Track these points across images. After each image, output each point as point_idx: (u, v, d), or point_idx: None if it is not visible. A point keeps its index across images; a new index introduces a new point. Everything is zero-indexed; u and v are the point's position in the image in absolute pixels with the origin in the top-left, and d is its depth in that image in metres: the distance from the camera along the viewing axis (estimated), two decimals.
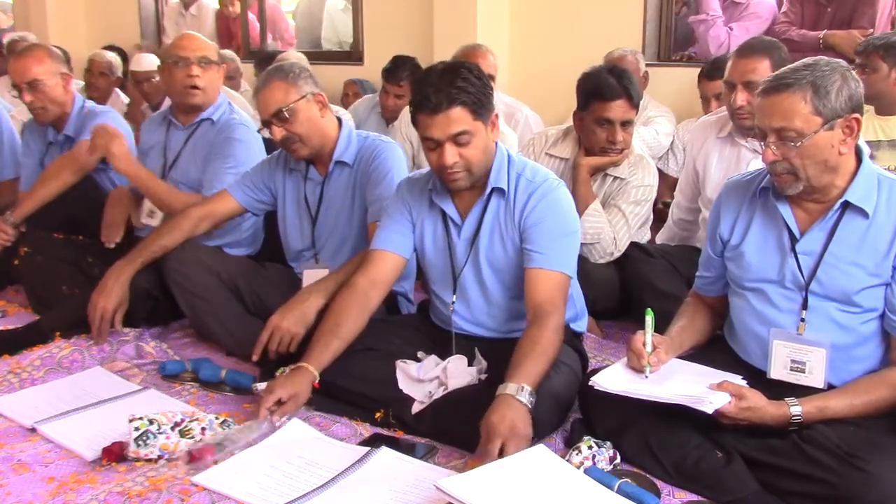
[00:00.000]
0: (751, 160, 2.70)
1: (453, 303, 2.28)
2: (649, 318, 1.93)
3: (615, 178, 2.86)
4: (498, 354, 2.02)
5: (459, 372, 2.18)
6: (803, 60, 1.87)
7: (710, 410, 1.76)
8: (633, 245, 2.84)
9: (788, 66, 1.87)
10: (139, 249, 2.63)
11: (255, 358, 2.31)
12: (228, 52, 5.51)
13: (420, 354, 2.27)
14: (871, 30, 4.03)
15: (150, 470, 1.89)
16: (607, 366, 2.04)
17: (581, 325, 2.43)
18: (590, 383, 1.92)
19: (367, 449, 1.96)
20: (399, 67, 4.30)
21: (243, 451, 1.95)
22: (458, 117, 2.03)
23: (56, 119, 3.28)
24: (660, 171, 3.22)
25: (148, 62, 4.79)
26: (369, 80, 5.19)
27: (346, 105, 4.89)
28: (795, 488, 1.74)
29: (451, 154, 2.05)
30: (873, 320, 1.90)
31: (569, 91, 2.94)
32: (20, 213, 3.11)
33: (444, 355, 2.24)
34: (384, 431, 2.12)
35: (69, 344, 2.58)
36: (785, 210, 1.94)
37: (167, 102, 4.21)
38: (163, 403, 2.23)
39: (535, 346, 1.94)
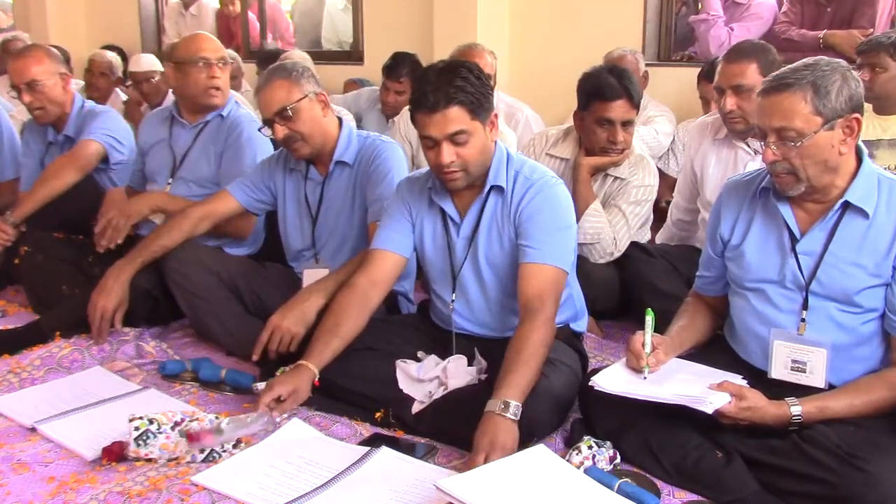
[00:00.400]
0: (748, 162, 2.71)
1: (453, 301, 2.27)
2: (649, 319, 1.93)
3: (615, 178, 2.86)
4: (498, 354, 2.02)
5: (459, 372, 2.18)
6: (803, 60, 1.87)
7: (710, 410, 1.76)
8: (633, 245, 2.84)
9: (789, 66, 1.87)
10: (139, 249, 2.63)
11: (255, 358, 2.31)
12: (230, 52, 5.51)
13: (420, 354, 2.27)
14: (871, 30, 4.03)
15: (150, 470, 1.89)
16: (607, 366, 2.04)
17: (581, 324, 2.43)
18: (590, 384, 1.92)
19: (367, 449, 1.96)
20: (399, 64, 4.30)
21: (243, 451, 1.96)
22: (456, 117, 2.03)
23: (56, 119, 3.27)
24: (660, 171, 3.22)
25: (147, 62, 4.79)
26: (369, 79, 5.19)
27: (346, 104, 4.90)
28: (795, 488, 1.74)
29: (447, 153, 2.06)
30: (873, 320, 1.90)
31: (569, 91, 2.94)
32: (20, 213, 3.10)
33: (444, 355, 2.24)
34: (384, 431, 2.12)
35: (69, 344, 2.58)
36: (785, 210, 1.94)
37: (167, 102, 4.22)
38: (163, 403, 2.22)
39: (521, 352, 1.94)
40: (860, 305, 1.88)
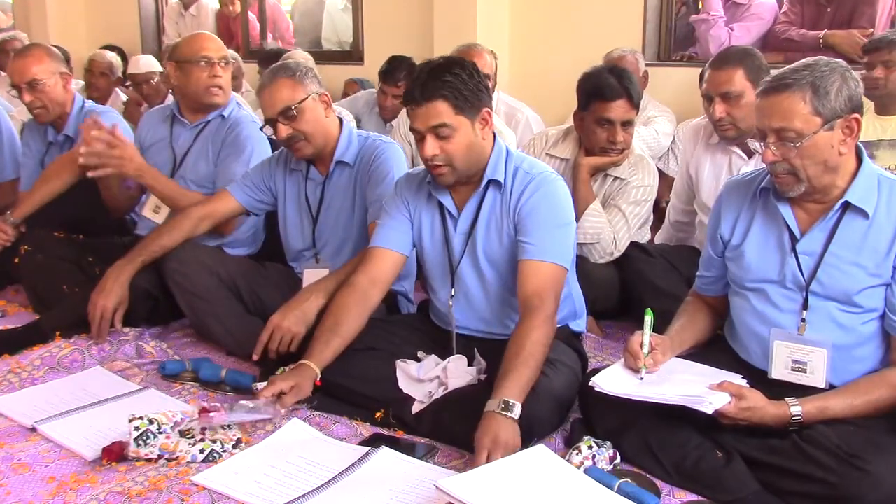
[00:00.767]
0: (742, 167, 2.70)
1: (452, 297, 2.27)
2: (648, 319, 1.93)
3: (615, 178, 2.86)
4: (498, 354, 2.02)
5: (459, 372, 2.18)
6: (803, 61, 1.87)
7: (709, 411, 1.76)
8: (633, 245, 2.85)
9: (788, 67, 1.87)
10: (139, 249, 2.63)
11: (255, 357, 2.31)
12: (231, 53, 5.50)
13: (420, 354, 2.27)
14: (871, 30, 4.03)
15: (150, 470, 1.89)
16: (607, 366, 2.04)
17: (580, 324, 2.43)
18: (590, 384, 1.92)
19: (367, 449, 1.96)
20: (396, 68, 4.29)
21: (243, 451, 1.96)
22: (439, 111, 2.04)
23: (56, 119, 3.27)
24: (660, 171, 3.22)
25: (145, 64, 4.79)
26: (369, 79, 5.19)
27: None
28: (795, 488, 1.74)
29: (430, 146, 2.07)
30: (874, 320, 1.90)
31: (569, 91, 2.94)
32: (20, 213, 3.10)
33: (444, 355, 2.24)
34: (384, 431, 2.12)
35: (69, 344, 2.58)
36: (785, 210, 1.94)
37: (167, 102, 4.22)
38: (163, 403, 2.22)
39: (520, 351, 1.94)
40: (860, 305, 1.88)
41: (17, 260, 3.03)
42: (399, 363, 2.21)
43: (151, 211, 3.02)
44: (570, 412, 2.15)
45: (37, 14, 6.92)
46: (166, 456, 1.92)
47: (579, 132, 2.89)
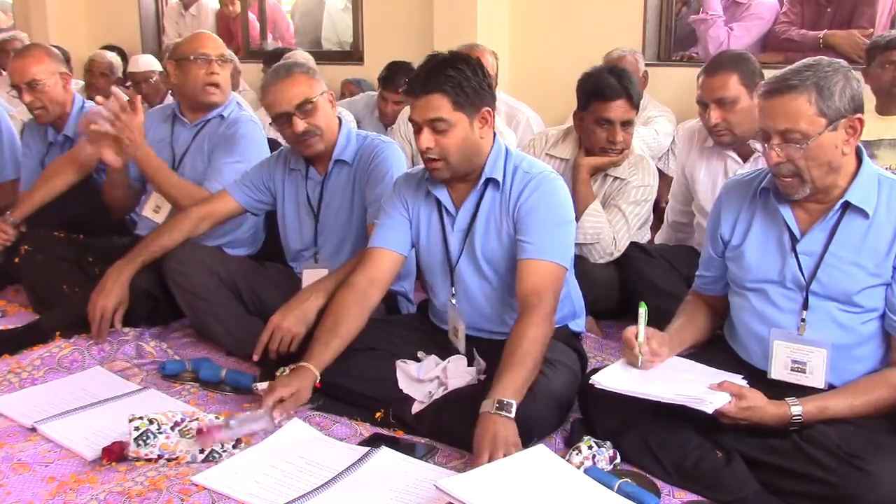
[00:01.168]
0: (737, 171, 2.70)
1: (453, 295, 2.27)
2: (643, 311, 1.93)
3: (615, 178, 2.86)
4: (497, 354, 2.02)
5: (459, 372, 2.18)
6: (804, 61, 1.87)
7: (710, 410, 1.76)
8: (633, 245, 2.85)
9: (789, 68, 1.86)
10: (139, 249, 2.63)
11: (255, 358, 2.31)
12: (228, 52, 5.50)
13: (420, 354, 2.27)
14: (871, 30, 4.03)
15: (150, 470, 1.89)
16: (607, 365, 2.04)
17: (579, 323, 2.43)
18: (590, 381, 1.92)
19: (367, 449, 1.96)
20: (396, 74, 4.27)
21: (243, 451, 1.96)
22: (438, 104, 2.04)
23: (56, 119, 3.27)
24: (659, 171, 3.22)
25: (145, 63, 4.79)
26: (369, 79, 5.19)
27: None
28: (795, 488, 1.74)
29: (426, 139, 2.07)
30: (874, 320, 1.90)
31: (569, 91, 2.94)
32: (20, 213, 3.10)
33: (444, 355, 2.24)
34: (384, 431, 2.12)
35: (69, 344, 2.58)
36: (785, 211, 1.94)
37: (167, 102, 4.23)
38: (163, 403, 2.22)
39: (516, 350, 1.93)
40: (860, 305, 1.88)
41: (17, 260, 3.03)
42: (399, 363, 2.21)
43: (151, 211, 3.02)
44: (569, 412, 2.15)
45: (37, 14, 6.92)
46: (166, 456, 1.92)
47: (579, 132, 2.89)
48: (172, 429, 1.93)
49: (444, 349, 2.28)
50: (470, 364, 2.23)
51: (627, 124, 2.77)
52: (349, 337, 2.17)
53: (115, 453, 1.92)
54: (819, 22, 4.28)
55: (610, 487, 1.74)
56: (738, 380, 1.88)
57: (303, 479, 1.84)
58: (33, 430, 2.09)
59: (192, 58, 2.92)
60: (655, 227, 3.27)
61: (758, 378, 1.94)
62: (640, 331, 1.93)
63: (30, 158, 3.42)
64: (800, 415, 1.78)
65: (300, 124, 2.47)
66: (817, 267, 1.90)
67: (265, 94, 2.54)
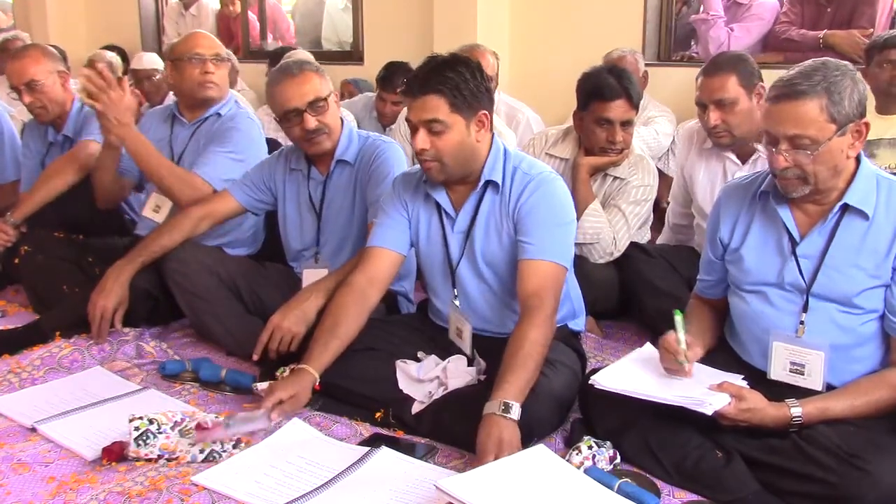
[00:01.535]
0: (736, 172, 2.70)
1: (455, 297, 2.27)
2: (679, 318, 1.90)
3: (615, 178, 2.86)
4: (498, 353, 2.02)
5: (459, 372, 2.18)
6: (811, 64, 1.83)
7: (709, 412, 1.76)
8: (633, 245, 2.85)
9: (797, 71, 1.82)
10: (139, 249, 2.63)
11: (255, 357, 2.31)
12: (226, 51, 5.50)
13: (420, 354, 2.27)
14: (871, 30, 4.03)
15: (150, 470, 1.89)
16: (607, 365, 2.04)
17: (579, 323, 2.43)
18: (590, 382, 1.92)
19: (367, 449, 1.96)
20: (394, 74, 4.26)
21: (243, 451, 1.96)
22: (434, 106, 2.04)
23: (55, 118, 3.28)
24: (659, 171, 3.22)
25: (149, 60, 4.80)
26: (369, 79, 5.18)
27: None
28: (795, 488, 1.74)
29: (421, 139, 2.07)
30: (873, 321, 1.90)
31: (569, 91, 2.94)
32: (20, 213, 3.10)
33: (444, 355, 2.24)
34: (384, 431, 2.12)
35: (69, 344, 2.58)
36: (785, 213, 1.93)
37: (168, 100, 4.23)
38: (163, 403, 2.22)
39: (518, 351, 1.93)
40: (860, 307, 1.88)
41: (17, 260, 3.03)
42: (399, 363, 2.21)
43: (151, 211, 3.02)
44: (570, 412, 2.15)
45: (37, 14, 6.93)
46: (166, 456, 1.92)
47: (579, 132, 2.89)
48: (172, 429, 1.93)
49: (444, 349, 2.28)
50: (470, 364, 2.23)
51: (627, 124, 2.77)
52: (348, 337, 2.17)
53: (115, 453, 1.92)
54: (819, 22, 4.28)
55: (610, 487, 1.74)
56: (738, 381, 1.87)
57: (303, 479, 1.84)
58: (33, 430, 2.09)
59: (186, 58, 2.92)
60: (655, 227, 3.27)
61: (758, 378, 1.94)
62: (681, 338, 1.90)
63: (30, 159, 3.42)
64: (800, 416, 1.78)
65: (311, 121, 2.47)
66: (817, 269, 1.89)
67: (274, 91, 2.51)
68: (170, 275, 2.60)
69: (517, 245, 2.14)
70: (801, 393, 1.87)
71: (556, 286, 2.09)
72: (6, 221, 3.08)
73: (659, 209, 3.32)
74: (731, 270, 2.06)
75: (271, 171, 2.72)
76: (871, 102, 3.13)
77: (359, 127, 4.43)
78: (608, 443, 1.92)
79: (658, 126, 4.03)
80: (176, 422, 1.95)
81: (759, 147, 2.66)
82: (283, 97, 2.47)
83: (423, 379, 2.17)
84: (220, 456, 1.94)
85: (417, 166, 2.31)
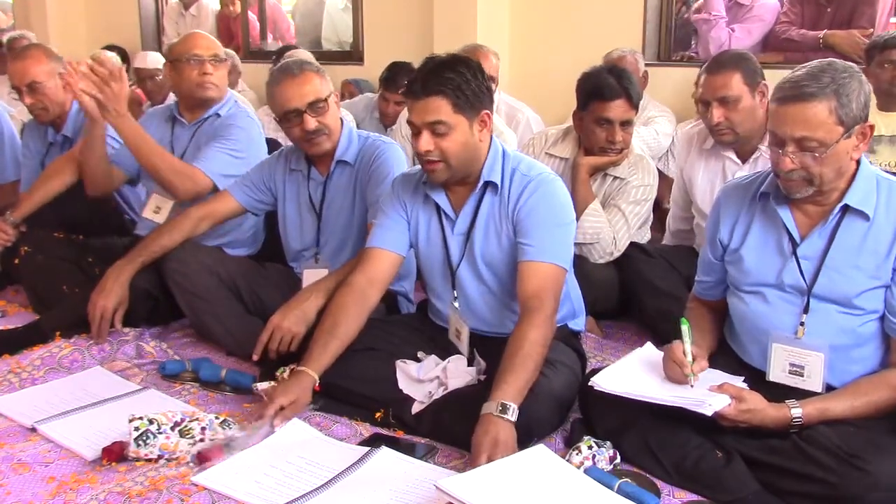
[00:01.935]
0: (736, 172, 2.70)
1: (455, 298, 2.27)
2: (685, 328, 1.89)
3: (615, 177, 2.86)
4: (498, 353, 2.02)
5: (459, 372, 2.18)
6: (818, 65, 1.82)
7: (709, 413, 1.76)
8: (633, 245, 2.85)
9: (804, 72, 1.81)
10: (139, 249, 2.63)
11: (255, 357, 2.31)
12: (227, 51, 5.51)
13: (420, 354, 2.27)
14: (871, 30, 4.04)
15: (150, 470, 1.89)
16: (607, 365, 2.04)
17: (579, 323, 2.43)
18: (590, 384, 1.92)
19: (367, 449, 1.96)
20: (397, 75, 4.26)
21: (243, 450, 1.95)
22: (438, 107, 2.04)
23: (55, 119, 3.27)
24: (659, 171, 3.22)
25: (152, 60, 4.81)
26: (369, 80, 5.19)
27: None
28: (795, 488, 1.73)
29: (425, 141, 2.06)
30: (873, 322, 1.90)
31: (569, 91, 2.94)
32: (20, 213, 3.10)
33: (444, 355, 2.24)
34: (384, 431, 2.11)
35: (69, 344, 2.58)
36: (785, 214, 1.92)
37: (169, 100, 4.23)
38: (163, 403, 2.22)
39: (517, 352, 1.93)
40: (861, 308, 1.88)
41: (17, 260, 3.03)
42: (399, 363, 2.21)
43: (152, 211, 3.02)
44: (570, 412, 2.14)
45: (37, 14, 6.92)
46: (166, 456, 1.92)
47: (578, 132, 2.89)
48: (172, 429, 1.93)
49: (444, 349, 2.28)
50: (470, 364, 2.23)
51: (627, 124, 2.77)
52: (348, 338, 2.17)
53: (115, 453, 1.92)
54: (819, 22, 4.28)
55: (610, 487, 1.74)
56: (738, 382, 1.87)
57: (303, 479, 1.84)
58: (33, 430, 2.09)
59: (184, 59, 2.92)
60: (656, 228, 3.27)
61: (758, 379, 1.94)
62: (688, 349, 1.88)
63: (30, 159, 3.42)
64: (800, 417, 1.78)
65: (311, 122, 2.47)
66: (818, 271, 1.89)
67: (274, 90, 2.50)
68: (170, 275, 2.60)
69: (517, 246, 2.14)
70: (801, 394, 1.87)
71: (556, 287, 2.09)
72: (6, 221, 3.08)
73: (660, 209, 3.32)
74: (731, 271, 2.06)
75: (271, 172, 2.72)
76: (871, 100, 3.13)
77: (359, 128, 4.45)
78: (608, 443, 1.92)
79: (658, 126, 4.03)
80: (176, 422, 1.94)
81: (763, 147, 2.66)
82: (283, 97, 2.47)
83: (423, 379, 2.17)
84: None
85: (417, 167, 2.31)
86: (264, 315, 2.41)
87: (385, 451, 1.95)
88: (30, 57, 3.19)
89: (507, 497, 1.61)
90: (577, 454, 1.86)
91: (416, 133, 2.09)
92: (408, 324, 2.45)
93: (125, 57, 5.90)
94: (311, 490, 1.79)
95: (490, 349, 2.18)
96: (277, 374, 2.24)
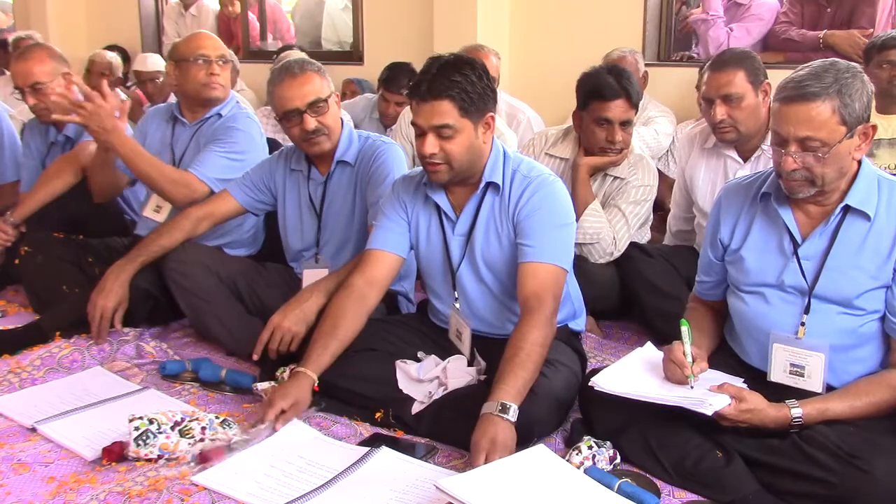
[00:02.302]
0: (737, 171, 2.71)
1: (456, 300, 2.27)
2: (685, 329, 1.89)
3: (615, 177, 2.86)
4: (498, 353, 2.02)
5: (459, 372, 2.18)
6: (821, 65, 1.82)
7: (709, 412, 1.76)
8: (633, 245, 2.85)
9: (807, 72, 1.81)
10: (139, 249, 2.63)
11: (255, 357, 2.31)
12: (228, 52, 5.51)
13: (420, 354, 2.27)
14: (871, 30, 4.04)
15: (150, 470, 1.89)
16: (607, 366, 2.04)
17: (579, 323, 2.43)
18: (590, 384, 1.92)
19: (367, 449, 1.96)
20: (398, 75, 4.25)
21: (244, 451, 1.95)
22: (445, 110, 2.03)
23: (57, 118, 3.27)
24: (659, 171, 3.22)
25: (152, 62, 4.81)
26: (369, 79, 5.19)
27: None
28: (795, 488, 1.73)
29: (430, 144, 2.06)
30: (873, 322, 1.90)
31: (569, 91, 2.94)
32: (20, 213, 3.10)
33: (444, 355, 2.24)
34: (384, 431, 2.11)
35: (69, 344, 2.58)
36: (786, 214, 1.92)
37: (170, 100, 4.22)
38: (163, 403, 2.23)
39: (517, 353, 1.93)
40: (861, 308, 1.88)
41: (17, 260, 3.03)
42: (399, 363, 2.21)
43: (152, 210, 3.02)
44: (570, 412, 2.15)
45: (37, 14, 6.92)
46: (166, 456, 1.92)
47: (578, 132, 2.89)
48: (172, 429, 1.93)
49: (445, 349, 2.28)
50: (470, 364, 2.23)
51: (626, 124, 2.77)
52: (347, 339, 2.17)
53: (115, 453, 1.92)
54: (819, 22, 4.28)
55: (610, 487, 1.74)
56: (738, 382, 1.87)
57: (303, 479, 1.84)
58: (33, 430, 2.09)
59: (191, 59, 2.91)
60: (656, 228, 3.26)
61: (758, 379, 1.94)
62: (688, 350, 1.88)
63: (30, 158, 3.42)
64: (800, 417, 1.78)
65: (311, 122, 2.47)
66: (819, 271, 1.89)
67: (274, 90, 2.50)
68: (170, 275, 2.60)
69: (517, 248, 2.14)
70: (801, 394, 1.87)
71: (556, 288, 2.09)
72: (6, 221, 3.08)
73: (663, 209, 3.32)
74: (731, 271, 2.06)
75: (271, 172, 2.72)
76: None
77: (359, 128, 4.45)
78: (608, 443, 1.92)
79: (658, 126, 4.03)
80: (176, 422, 1.95)
81: (765, 146, 2.66)
82: (284, 97, 2.47)
83: (423, 379, 2.17)
84: None
85: (417, 169, 2.31)
86: (264, 315, 2.41)
87: (385, 451, 1.95)
88: (32, 58, 3.19)
89: (507, 497, 1.61)
90: (577, 454, 1.86)
91: (420, 135, 2.09)
92: (408, 324, 2.45)
93: (126, 57, 5.90)
94: (311, 490, 1.79)
95: (490, 350, 2.18)
96: (277, 374, 2.24)
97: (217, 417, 2.01)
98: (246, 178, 2.74)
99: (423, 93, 2.04)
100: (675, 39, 4.68)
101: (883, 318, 1.89)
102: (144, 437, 1.90)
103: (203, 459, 1.89)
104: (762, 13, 4.44)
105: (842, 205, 1.86)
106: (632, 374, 1.96)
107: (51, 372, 2.47)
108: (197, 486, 1.82)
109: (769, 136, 2.03)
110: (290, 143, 2.68)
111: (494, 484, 1.64)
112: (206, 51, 2.93)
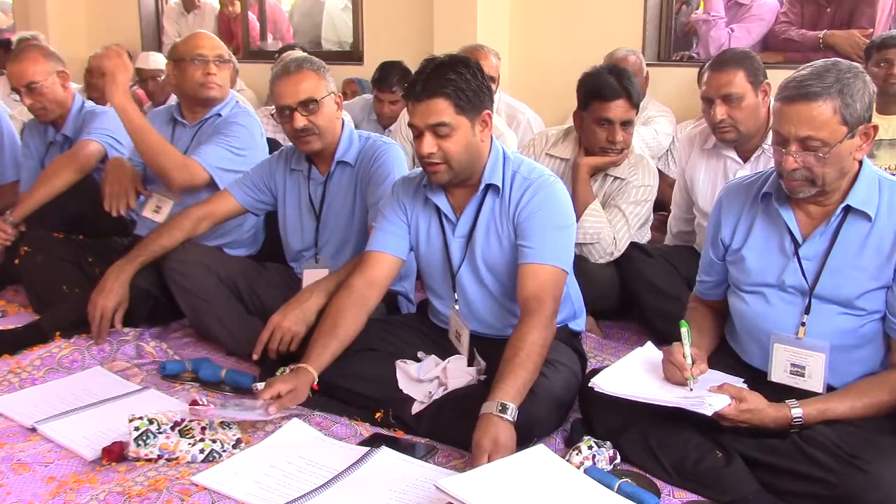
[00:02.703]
0: (737, 171, 2.71)
1: (456, 301, 2.27)
2: (685, 330, 1.88)
3: (615, 178, 2.86)
4: (498, 354, 2.02)
5: (459, 372, 2.18)
6: (822, 65, 1.82)
7: (709, 413, 1.76)
8: (633, 245, 2.85)
9: (809, 72, 1.81)
10: (139, 249, 2.63)
11: (255, 357, 2.31)
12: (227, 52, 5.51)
13: (420, 354, 2.27)
14: (871, 30, 4.04)
15: (150, 470, 1.89)
16: (607, 366, 2.04)
17: (579, 323, 2.43)
18: (590, 385, 1.92)
19: (367, 449, 1.96)
20: (388, 74, 4.25)
21: (243, 451, 1.96)
22: (440, 109, 2.03)
23: (56, 118, 3.27)
24: (659, 171, 3.22)
25: (154, 60, 4.81)
26: (369, 80, 5.18)
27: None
28: (795, 488, 1.73)
29: (428, 144, 2.06)
30: (874, 322, 1.89)
31: (569, 91, 2.94)
32: (20, 213, 3.10)
33: (444, 355, 2.24)
34: (384, 431, 2.11)
35: (69, 344, 2.58)
36: (787, 215, 1.92)
37: (171, 101, 4.23)
38: (163, 403, 2.22)
39: (517, 353, 1.93)
40: (862, 308, 1.87)
41: (17, 260, 3.03)
42: (399, 363, 2.21)
43: (152, 211, 3.02)
44: (570, 412, 2.15)
45: (37, 14, 6.93)
46: (166, 456, 1.92)
47: (579, 132, 2.89)
48: (172, 429, 1.93)
49: (445, 349, 2.28)
50: (470, 364, 2.23)
51: (627, 124, 2.77)
52: (347, 339, 2.17)
53: (115, 453, 1.92)
54: (819, 22, 4.28)
55: (610, 487, 1.74)
56: (738, 382, 1.87)
57: (303, 479, 1.84)
58: (33, 430, 2.09)
59: (189, 58, 2.92)
60: (656, 227, 3.26)
61: (758, 379, 1.94)
62: (687, 352, 1.88)
63: (30, 158, 3.42)
64: (800, 417, 1.78)
65: (300, 120, 2.47)
66: (820, 271, 1.89)
67: (272, 85, 2.54)
68: (170, 275, 2.60)
69: (517, 249, 2.14)
70: (801, 394, 1.86)
71: (556, 290, 2.09)
72: (6, 221, 3.08)
73: (664, 209, 3.32)
74: (732, 271, 2.06)
75: (271, 172, 2.72)
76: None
77: (358, 129, 4.44)
78: (608, 443, 1.92)
79: (658, 126, 4.03)
80: (176, 422, 1.95)
81: (765, 146, 2.66)
82: (278, 93, 2.50)
83: (423, 379, 2.17)
84: (220, 456, 1.94)
85: (417, 170, 2.31)
86: (264, 315, 2.41)
87: (385, 451, 1.95)
88: (27, 58, 3.19)
89: (507, 497, 1.61)
90: (577, 454, 1.86)
91: (417, 135, 2.08)
92: (408, 324, 2.45)
93: (129, 57, 5.90)
94: (311, 490, 1.79)
95: (490, 351, 2.18)
96: (277, 373, 2.23)
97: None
98: (246, 177, 2.74)
99: (418, 92, 2.04)
100: (675, 39, 4.69)
101: (883, 319, 1.89)
102: (144, 437, 1.90)
103: (193, 403, 1.92)
104: (763, 13, 4.44)
105: (843, 205, 1.86)
106: (631, 374, 1.96)
107: (51, 372, 2.47)
108: (197, 486, 1.82)
109: (770, 136, 2.03)
110: (290, 143, 2.68)
111: (494, 484, 1.63)
112: (203, 50, 2.93)
